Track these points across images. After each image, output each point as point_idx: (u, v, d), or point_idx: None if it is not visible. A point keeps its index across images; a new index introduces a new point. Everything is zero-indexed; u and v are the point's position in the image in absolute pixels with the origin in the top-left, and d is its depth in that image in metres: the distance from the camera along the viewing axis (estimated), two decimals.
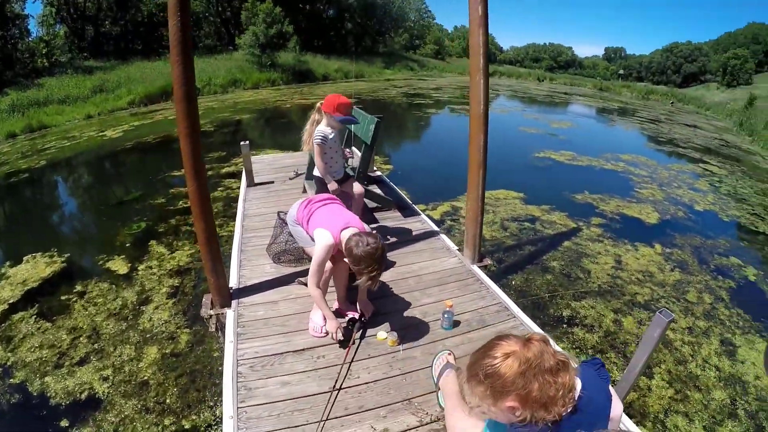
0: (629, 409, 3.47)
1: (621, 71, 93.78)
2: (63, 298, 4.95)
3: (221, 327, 3.49)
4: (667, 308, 4.91)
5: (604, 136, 18.03)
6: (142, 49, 31.81)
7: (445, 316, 3.17)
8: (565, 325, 4.44)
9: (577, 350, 4.08)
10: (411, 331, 3.18)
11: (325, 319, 2.97)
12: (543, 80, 56.33)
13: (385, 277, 3.90)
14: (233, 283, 3.79)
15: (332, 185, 4.01)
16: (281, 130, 15.26)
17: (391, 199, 5.74)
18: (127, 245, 6.14)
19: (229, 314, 3.40)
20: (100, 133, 14.63)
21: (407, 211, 5.58)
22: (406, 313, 3.40)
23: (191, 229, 6.29)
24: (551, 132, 16.32)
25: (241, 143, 6.25)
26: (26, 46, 24.74)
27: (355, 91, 25.11)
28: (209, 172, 9.23)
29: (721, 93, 55.33)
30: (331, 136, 3.94)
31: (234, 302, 3.51)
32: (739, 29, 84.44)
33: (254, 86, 26.52)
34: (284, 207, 4.42)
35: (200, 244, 3.44)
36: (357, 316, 3.20)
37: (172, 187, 8.43)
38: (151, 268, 5.48)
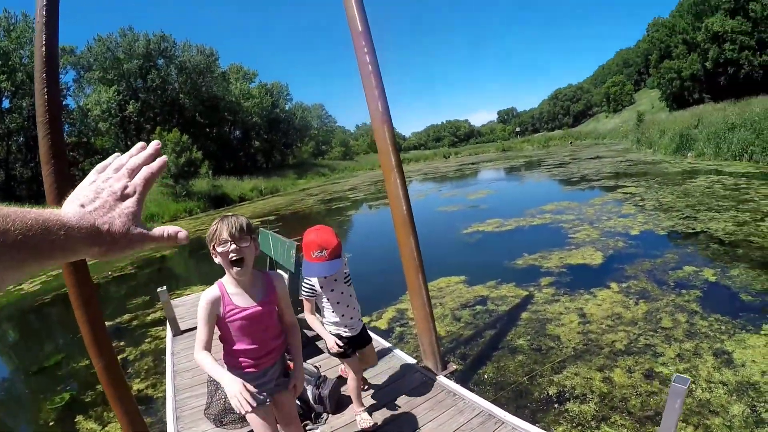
0: None
1: (517, 128, 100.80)
2: None
3: None
4: (648, 344, 4.71)
5: (522, 193, 18.52)
6: None
7: None
8: (556, 405, 3.96)
9: (579, 427, 3.61)
10: None
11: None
12: (449, 156, 59.43)
13: (344, 419, 3.36)
14: None
15: (330, 341, 2.99)
16: (205, 261, 14.54)
17: None
18: (51, 424, 5.19)
19: None
20: (17, 287, 13.38)
21: None
22: None
23: None
24: (471, 204, 16.52)
25: (158, 290, 5.66)
26: None
27: (273, 207, 25.11)
28: (134, 322, 8.39)
29: (611, 120, 60.29)
30: (321, 285, 3.01)
31: None
32: (610, 59, 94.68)
33: (172, 218, 25.88)
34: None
35: None
36: None
37: None
38: None
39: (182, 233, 0.73)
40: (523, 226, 11.27)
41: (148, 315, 8.65)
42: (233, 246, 2.06)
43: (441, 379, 3.71)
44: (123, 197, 0.66)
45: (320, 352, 4.65)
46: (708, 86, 38.59)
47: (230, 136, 47.79)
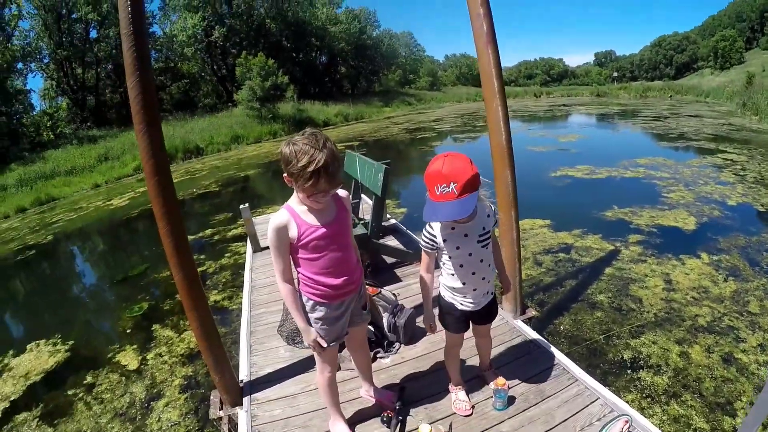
0: None
1: (615, 74, 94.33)
2: (70, 393, 4.47)
3: (234, 429, 3.00)
4: (731, 326, 4.44)
5: (615, 142, 17.47)
6: None
7: (498, 395, 2.66)
8: (629, 371, 3.86)
9: (649, 399, 3.52)
10: (458, 418, 2.65)
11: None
12: (540, 95, 56.85)
13: (416, 350, 3.37)
14: (244, 374, 3.29)
15: (427, 319, 2.49)
16: None
17: (411, 252, 5.09)
18: (128, 331, 5.62)
19: (242, 415, 2.90)
20: (107, 203, 14.62)
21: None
22: (447, 396, 2.85)
23: None
24: (561, 147, 15.90)
25: (241, 207, 5.84)
26: (31, 120, 25.44)
27: (357, 133, 25.16)
28: (215, 237, 8.86)
29: (716, 77, 55.45)
30: (444, 238, 2.24)
31: (246, 399, 3.01)
32: (722, 10, 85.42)
33: (257, 140, 26.55)
34: None
35: (197, 340, 2.99)
36: (393, 405, 2.70)
37: None
38: (161, 355, 4.92)
39: None
40: (614, 177, 10.78)
41: (229, 231, 9.10)
42: (326, 198, 2.01)
43: (518, 323, 3.64)
44: None
45: (398, 279, 4.66)
46: None
47: (316, 61, 47.66)
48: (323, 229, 2.06)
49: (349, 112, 36.43)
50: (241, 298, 5.05)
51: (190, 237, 8.96)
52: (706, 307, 4.75)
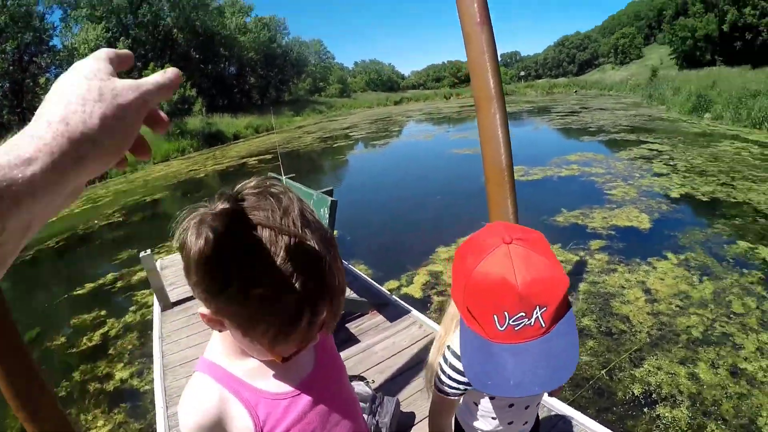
0: None
1: (521, 73, 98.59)
2: None
3: None
4: (725, 332, 3.99)
5: (539, 140, 17.46)
6: None
7: None
8: (645, 409, 3.25)
9: None
10: None
11: None
12: (449, 97, 58.13)
13: None
14: None
15: None
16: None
17: (365, 300, 4.04)
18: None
19: None
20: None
21: (392, 310, 3.91)
22: None
23: (102, 387, 4.55)
24: None
25: (141, 254, 4.44)
26: None
27: (269, 145, 24.06)
28: (118, 283, 7.27)
29: (617, 72, 59.32)
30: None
31: None
32: (621, 10, 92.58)
33: (164, 159, 24.83)
34: None
35: None
36: None
37: (74, 313, 6.49)
38: None
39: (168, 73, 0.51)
40: (550, 177, 10.43)
41: (134, 275, 7.53)
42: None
43: None
44: None
45: (355, 340, 3.52)
46: (722, 49, 37.39)
47: (225, 72, 46.16)
48: (306, 398, 0.88)
49: (259, 124, 35.25)
50: (153, 374, 3.84)
51: (88, 285, 7.52)
52: (695, 315, 4.34)
